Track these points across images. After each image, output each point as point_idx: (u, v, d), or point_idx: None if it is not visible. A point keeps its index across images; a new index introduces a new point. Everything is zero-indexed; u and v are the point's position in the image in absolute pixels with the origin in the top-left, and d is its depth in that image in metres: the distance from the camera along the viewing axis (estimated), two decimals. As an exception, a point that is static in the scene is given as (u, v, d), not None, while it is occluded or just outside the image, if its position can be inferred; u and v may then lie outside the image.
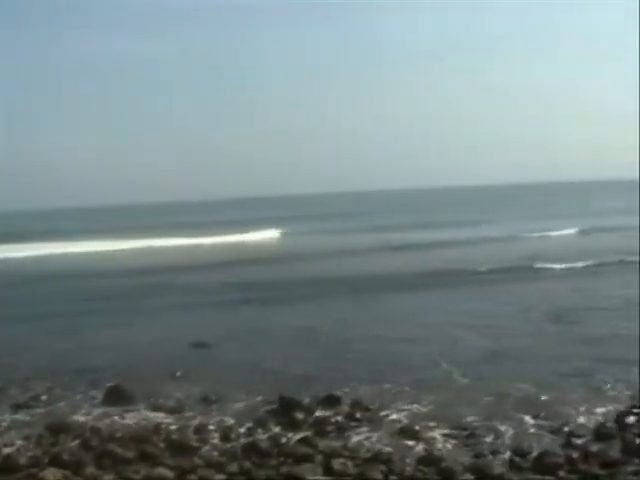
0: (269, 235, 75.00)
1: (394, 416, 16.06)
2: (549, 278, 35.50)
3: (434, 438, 14.63)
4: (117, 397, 17.76)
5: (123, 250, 62.29)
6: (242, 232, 74.58)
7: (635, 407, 15.38)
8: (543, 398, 16.66)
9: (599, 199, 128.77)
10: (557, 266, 38.31)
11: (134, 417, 16.58)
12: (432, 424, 15.35)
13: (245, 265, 46.92)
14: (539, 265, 39.01)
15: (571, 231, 59.86)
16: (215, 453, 14.15)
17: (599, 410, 15.63)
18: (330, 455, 13.48)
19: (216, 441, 14.87)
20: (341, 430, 15.20)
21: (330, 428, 15.28)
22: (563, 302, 28.11)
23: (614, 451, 13.24)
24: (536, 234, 58.59)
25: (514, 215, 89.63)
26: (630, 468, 12.44)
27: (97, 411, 17.10)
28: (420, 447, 14.15)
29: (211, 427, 15.65)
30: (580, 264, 38.53)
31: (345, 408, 16.54)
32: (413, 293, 32.41)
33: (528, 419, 15.40)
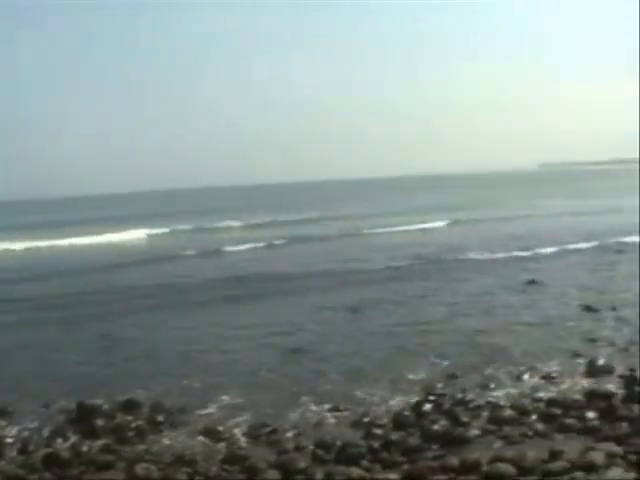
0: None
1: (196, 417, 15.58)
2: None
3: (237, 436, 14.37)
4: None
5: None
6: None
7: (431, 395, 15.96)
8: (343, 390, 16.81)
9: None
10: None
11: None
12: (235, 422, 15.06)
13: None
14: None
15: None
16: (13, 466, 13.04)
17: (397, 399, 15.99)
18: (133, 461, 12.84)
19: (14, 454, 13.80)
20: (142, 435, 14.57)
21: (131, 433, 14.62)
22: (357, 299, 28.41)
23: (413, 438, 13.58)
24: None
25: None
26: (430, 454, 12.82)
27: None
28: (224, 446, 13.84)
29: (8, 440, 14.51)
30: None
31: (146, 411, 15.85)
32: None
33: (329, 412, 15.45)
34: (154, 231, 67.99)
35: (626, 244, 40.65)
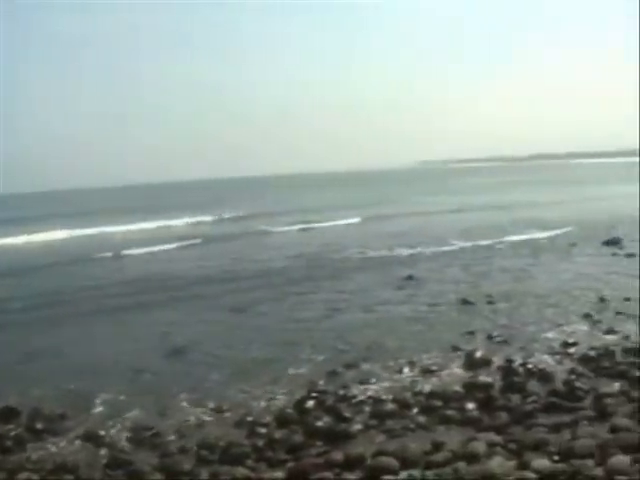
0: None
1: (77, 422, 15.13)
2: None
3: (120, 441, 14.07)
4: None
5: None
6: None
7: (313, 392, 15.98)
8: (226, 389, 16.70)
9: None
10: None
11: None
12: (117, 426, 14.76)
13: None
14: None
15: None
16: None
17: (280, 397, 16.00)
18: (13, 471, 12.48)
19: None
20: (22, 443, 14.11)
21: (10, 443, 14.09)
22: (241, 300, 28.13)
23: (297, 436, 13.60)
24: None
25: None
26: (314, 450, 12.88)
27: None
28: (106, 451, 13.55)
29: None
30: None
31: (24, 419, 15.33)
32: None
33: (212, 412, 15.35)
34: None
35: (501, 242, 42.09)
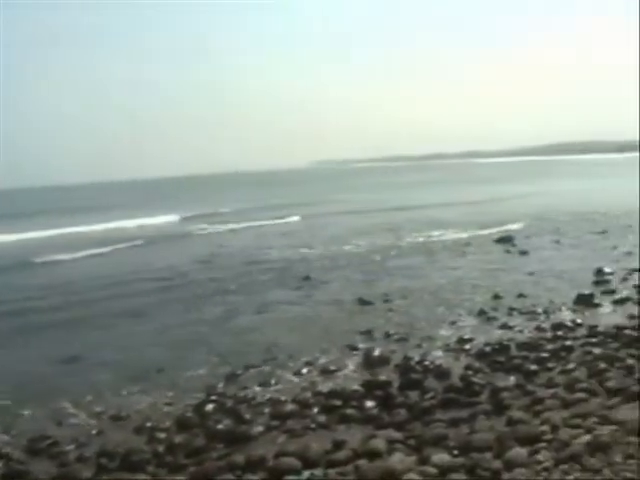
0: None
1: None
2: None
3: (15, 451, 13.71)
4: None
5: None
6: None
7: (212, 395, 15.99)
8: (123, 396, 16.51)
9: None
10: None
11: None
12: (11, 437, 14.47)
13: None
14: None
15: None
16: None
17: (179, 401, 15.90)
18: None
19: None
20: None
21: None
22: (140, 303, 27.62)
23: (198, 439, 13.56)
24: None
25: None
26: (215, 454, 12.86)
27: None
28: (1, 463, 13.13)
29: None
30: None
31: None
32: None
33: (110, 419, 15.13)
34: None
35: (398, 241, 42.82)
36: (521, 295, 24.39)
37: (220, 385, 16.91)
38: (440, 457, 11.18)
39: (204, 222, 63.49)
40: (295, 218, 62.93)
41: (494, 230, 43.93)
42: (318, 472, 11.48)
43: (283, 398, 15.67)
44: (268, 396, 15.93)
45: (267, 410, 14.99)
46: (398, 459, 11.32)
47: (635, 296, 23.23)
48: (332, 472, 11.34)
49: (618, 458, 9.40)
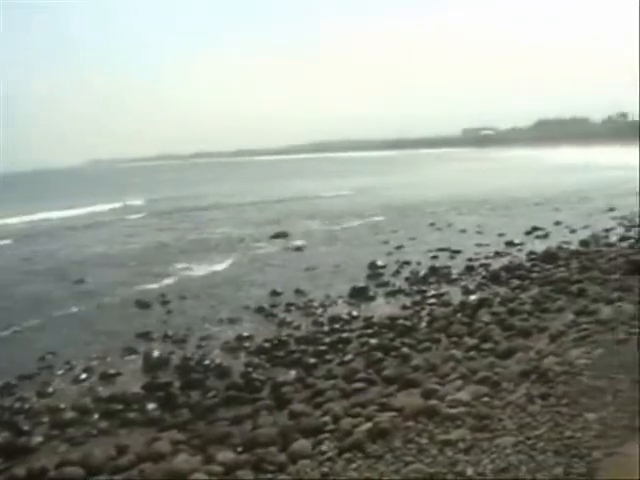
0: None
1: None
2: None
3: None
4: None
5: None
6: None
7: None
8: None
9: None
10: None
11: None
12: None
13: None
14: None
15: None
16: None
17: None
18: None
19: None
20: None
21: None
22: None
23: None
24: None
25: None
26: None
27: None
28: None
29: None
30: None
31: None
32: None
33: None
34: None
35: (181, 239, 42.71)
36: (297, 291, 25.36)
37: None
38: (225, 455, 11.51)
39: None
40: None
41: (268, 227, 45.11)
42: (102, 479, 11.51)
43: (62, 406, 15.33)
44: (46, 405, 15.55)
45: (46, 419, 14.63)
46: (183, 460, 11.51)
47: (406, 287, 24.94)
48: (117, 478, 11.35)
49: (398, 443, 10.07)
